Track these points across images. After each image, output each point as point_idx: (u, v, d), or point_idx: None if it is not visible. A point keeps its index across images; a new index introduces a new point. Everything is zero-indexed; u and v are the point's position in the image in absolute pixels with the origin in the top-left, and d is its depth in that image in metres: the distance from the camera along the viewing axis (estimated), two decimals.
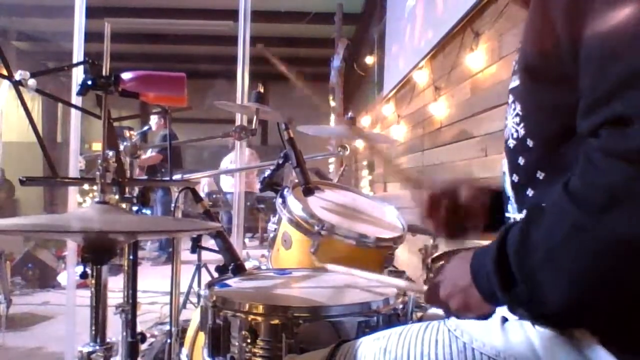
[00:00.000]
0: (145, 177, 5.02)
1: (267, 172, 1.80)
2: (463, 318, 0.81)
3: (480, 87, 3.08)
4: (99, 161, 1.09)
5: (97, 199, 1.08)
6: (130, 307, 1.30)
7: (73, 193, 2.66)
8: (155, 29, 8.60)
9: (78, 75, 2.45)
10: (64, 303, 2.60)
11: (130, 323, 1.30)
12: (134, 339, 1.29)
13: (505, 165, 0.86)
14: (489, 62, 2.95)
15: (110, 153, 1.11)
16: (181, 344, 1.47)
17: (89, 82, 1.08)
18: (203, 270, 3.46)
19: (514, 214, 0.84)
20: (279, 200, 1.66)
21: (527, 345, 0.74)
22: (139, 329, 1.32)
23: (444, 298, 0.81)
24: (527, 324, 0.75)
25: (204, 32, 8.46)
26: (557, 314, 0.68)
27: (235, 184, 3.68)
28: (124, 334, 1.30)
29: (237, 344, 1.08)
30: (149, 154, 5.55)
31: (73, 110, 2.71)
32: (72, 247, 2.67)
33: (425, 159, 4.33)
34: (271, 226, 1.77)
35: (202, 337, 1.17)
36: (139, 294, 1.34)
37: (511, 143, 0.83)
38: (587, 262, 0.62)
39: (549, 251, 0.64)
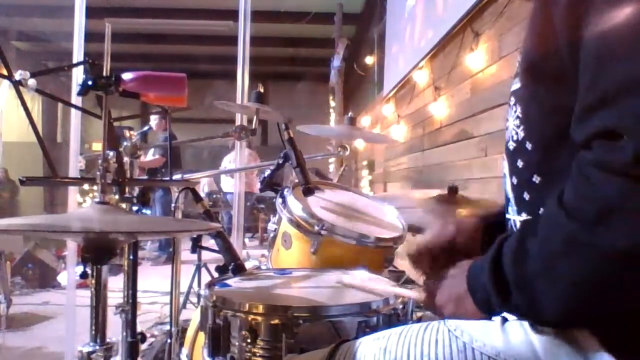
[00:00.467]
0: (145, 177, 5.02)
1: (267, 172, 1.80)
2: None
3: (480, 87, 3.08)
4: (99, 161, 1.09)
5: (97, 199, 1.08)
6: (130, 307, 1.30)
7: (73, 193, 2.66)
8: (155, 29, 8.61)
9: (78, 75, 2.45)
10: (64, 303, 2.60)
11: (130, 323, 1.30)
12: (134, 339, 1.29)
13: (505, 167, 0.87)
14: (489, 62, 2.95)
15: (111, 153, 1.11)
16: (181, 344, 1.47)
17: (90, 83, 1.07)
18: (203, 270, 3.47)
19: (514, 215, 0.85)
20: (279, 200, 1.66)
21: (527, 345, 0.74)
22: (139, 329, 1.32)
23: (440, 304, 0.83)
24: (527, 324, 0.75)
25: (204, 32, 8.46)
26: (553, 321, 0.70)
27: (235, 184, 3.68)
28: (124, 334, 1.30)
29: (237, 344, 1.08)
30: (150, 157, 5.55)
31: (73, 110, 2.71)
32: (72, 247, 2.67)
33: (425, 159, 4.33)
34: (271, 226, 1.77)
35: (202, 337, 1.17)
36: (139, 294, 1.34)
37: (511, 145, 0.83)
38: (581, 274, 0.63)
39: (544, 263, 0.65)
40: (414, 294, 1.16)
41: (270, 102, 2.10)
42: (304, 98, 9.43)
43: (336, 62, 6.87)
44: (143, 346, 1.39)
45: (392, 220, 1.78)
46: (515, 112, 0.82)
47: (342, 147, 2.58)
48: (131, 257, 1.34)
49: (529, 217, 0.81)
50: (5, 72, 1.12)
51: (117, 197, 1.20)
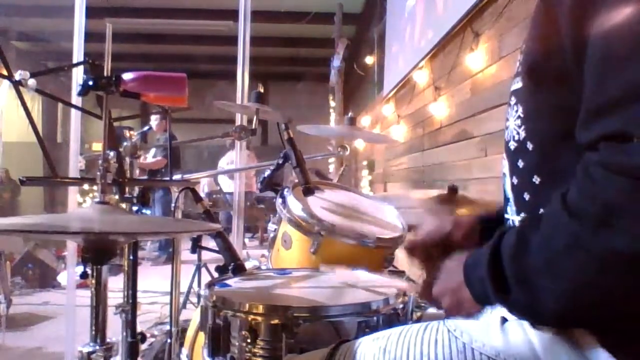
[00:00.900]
0: (145, 177, 5.02)
1: (267, 172, 1.80)
2: (453, 316, 0.82)
3: (480, 87, 3.08)
4: (100, 161, 1.09)
5: (97, 199, 1.08)
6: (130, 307, 1.30)
7: (73, 193, 2.66)
8: (155, 29, 8.60)
9: (78, 75, 2.45)
10: (64, 303, 2.60)
11: (130, 323, 1.30)
12: (134, 339, 1.29)
13: (506, 167, 0.86)
14: (489, 62, 2.95)
15: (111, 153, 1.11)
16: (181, 344, 1.48)
17: (90, 83, 1.08)
18: (203, 270, 3.46)
19: (512, 215, 0.84)
20: (279, 200, 1.66)
21: (526, 345, 0.74)
22: (139, 329, 1.32)
23: (437, 295, 0.82)
24: (526, 324, 0.75)
25: (204, 32, 8.46)
26: (552, 320, 0.69)
27: (234, 184, 3.68)
28: (124, 334, 1.30)
29: (237, 344, 1.08)
30: (151, 158, 5.55)
31: (73, 110, 2.71)
32: (72, 247, 2.67)
33: (425, 159, 4.33)
34: (271, 226, 1.77)
35: (202, 337, 1.17)
36: (139, 294, 1.34)
37: (512, 145, 0.82)
38: (582, 274, 0.62)
39: (546, 260, 0.65)
40: (406, 284, 1.16)
41: (270, 102, 2.11)
42: (304, 98, 9.43)
43: (336, 62, 6.87)
44: (143, 346, 1.39)
45: (392, 220, 1.78)
46: (517, 111, 0.81)
47: (342, 147, 2.58)
48: (131, 257, 1.34)
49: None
50: (5, 72, 1.12)
51: (117, 197, 1.20)
